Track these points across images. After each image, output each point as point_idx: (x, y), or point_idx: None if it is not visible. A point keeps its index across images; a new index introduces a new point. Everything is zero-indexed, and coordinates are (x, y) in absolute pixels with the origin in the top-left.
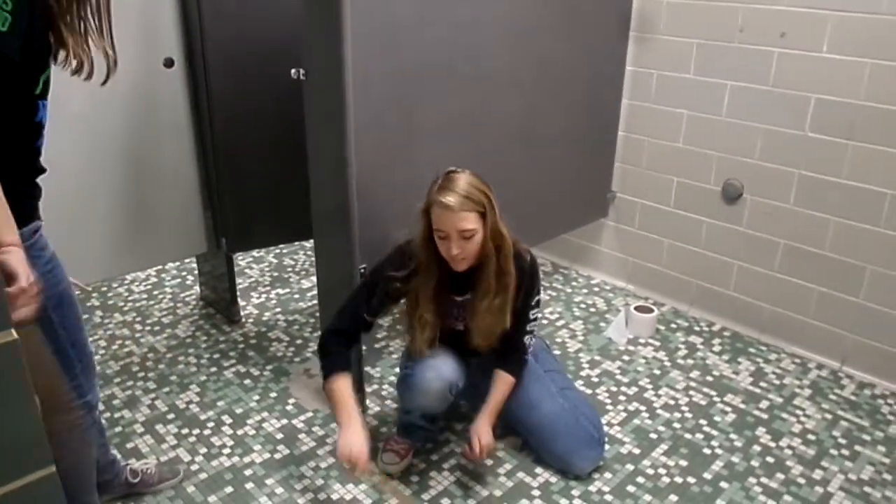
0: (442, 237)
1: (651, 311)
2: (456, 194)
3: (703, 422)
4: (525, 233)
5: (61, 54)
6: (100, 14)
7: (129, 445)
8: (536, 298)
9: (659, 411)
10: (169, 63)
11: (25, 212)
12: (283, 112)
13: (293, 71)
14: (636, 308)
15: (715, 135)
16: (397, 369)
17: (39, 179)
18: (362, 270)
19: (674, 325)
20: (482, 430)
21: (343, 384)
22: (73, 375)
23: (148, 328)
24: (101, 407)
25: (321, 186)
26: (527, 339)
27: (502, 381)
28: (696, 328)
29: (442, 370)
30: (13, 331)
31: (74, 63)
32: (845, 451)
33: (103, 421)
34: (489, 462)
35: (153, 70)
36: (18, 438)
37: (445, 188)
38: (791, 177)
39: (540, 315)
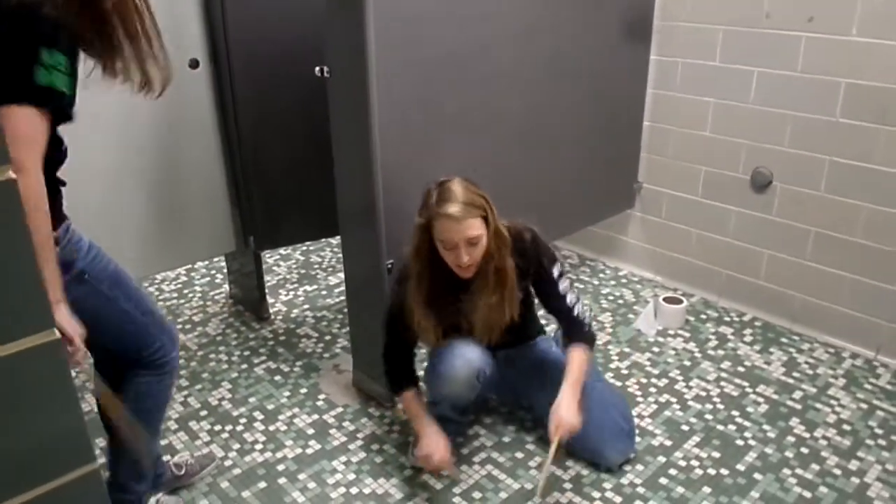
0: (449, 248)
1: (680, 301)
2: (458, 203)
3: (735, 413)
4: (551, 226)
5: (116, 79)
6: (145, 33)
7: (164, 442)
8: (557, 270)
9: (690, 403)
10: (194, 64)
11: (58, 216)
12: (308, 110)
13: (317, 69)
14: (665, 299)
15: (743, 122)
16: (425, 363)
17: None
18: (390, 266)
19: (703, 316)
20: (561, 407)
21: (409, 396)
22: (154, 338)
23: (179, 326)
24: None
25: (347, 183)
26: (577, 309)
27: (580, 356)
28: (727, 318)
29: (469, 357)
30: (55, 330)
31: (136, 82)
32: (882, 441)
33: None
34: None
35: (178, 71)
36: (62, 436)
37: (444, 199)
38: (822, 163)
39: (573, 279)
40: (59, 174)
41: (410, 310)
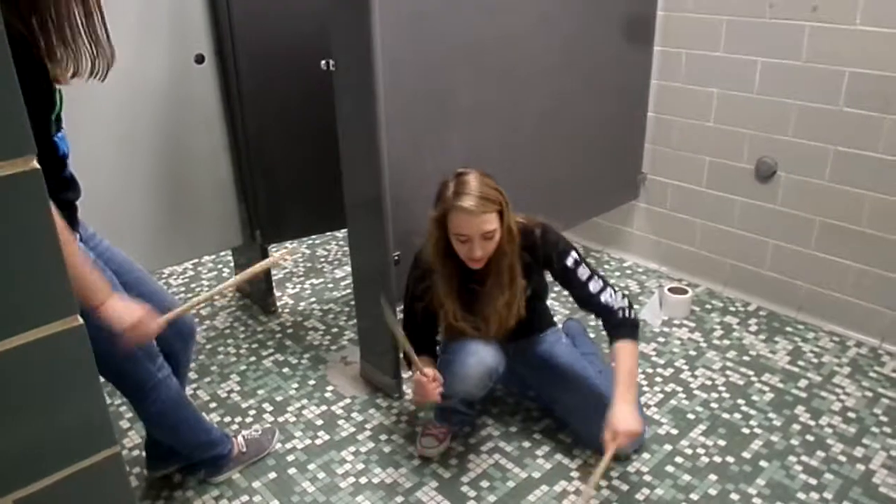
0: (463, 241)
1: (685, 292)
2: (474, 197)
3: (740, 401)
4: (556, 217)
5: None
6: (88, 19)
7: None
8: (572, 259)
9: (696, 392)
10: (199, 59)
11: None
12: (313, 103)
13: (323, 62)
14: (670, 289)
15: (747, 112)
16: None
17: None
18: (396, 258)
19: (709, 306)
20: (618, 414)
21: (424, 357)
22: (140, 361)
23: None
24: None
25: (354, 176)
26: (605, 296)
27: (623, 350)
28: (732, 308)
29: (483, 356)
30: (78, 316)
31: (70, 72)
32: (887, 429)
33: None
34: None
35: (184, 66)
36: (86, 420)
37: (461, 193)
38: (826, 153)
39: (591, 266)
40: (72, 180)
41: (440, 303)
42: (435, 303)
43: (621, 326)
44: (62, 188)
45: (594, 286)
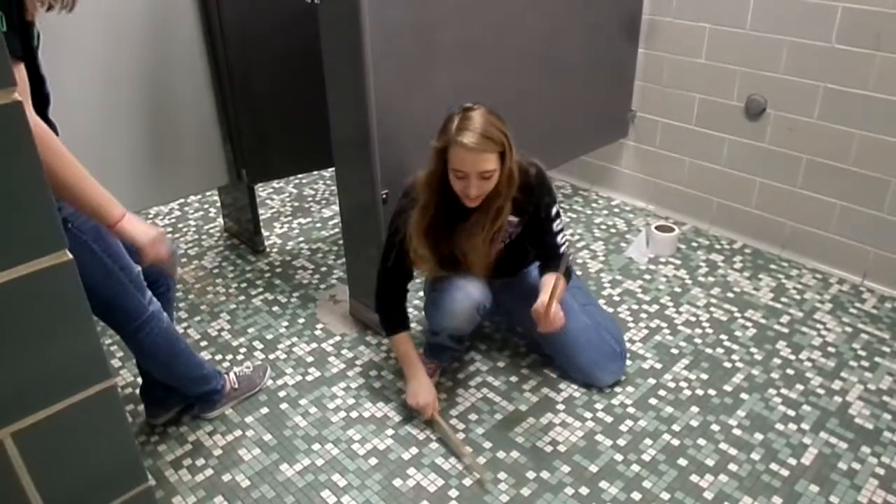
0: (460, 177)
1: (672, 230)
2: (476, 134)
3: (723, 337)
4: (544, 155)
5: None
6: None
7: None
8: (554, 210)
9: (680, 328)
10: None
11: None
12: (298, 39)
13: None
14: (657, 227)
15: (738, 49)
16: (420, 293)
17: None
18: (384, 196)
19: (694, 244)
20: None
21: (403, 341)
22: (131, 294)
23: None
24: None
25: (340, 113)
26: (563, 248)
27: (551, 275)
28: (717, 246)
29: (470, 291)
30: (67, 251)
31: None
32: (865, 363)
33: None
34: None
35: (165, 1)
36: (79, 353)
37: (464, 128)
38: (816, 90)
39: (563, 223)
40: (50, 117)
41: (409, 238)
42: (406, 237)
43: (562, 269)
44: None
45: (560, 239)
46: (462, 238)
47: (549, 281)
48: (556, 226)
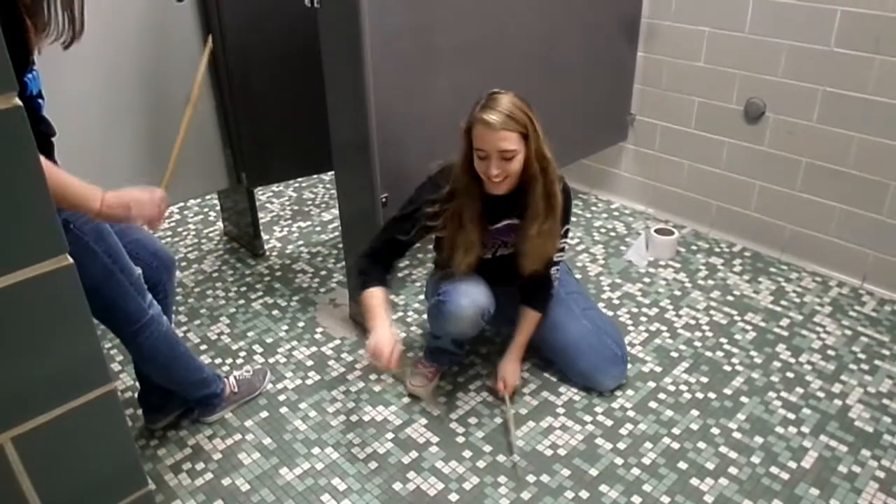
0: (482, 157)
1: (671, 233)
2: (498, 112)
3: (723, 340)
4: None
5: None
6: None
7: None
8: (566, 228)
9: (680, 331)
10: None
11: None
12: (297, 42)
13: None
14: (656, 231)
15: (737, 52)
16: (421, 296)
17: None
18: (384, 199)
19: (694, 247)
20: (508, 370)
21: (375, 292)
22: (132, 296)
23: (175, 264)
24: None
25: (340, 117)
26: (554, 270)
27: (529, 319)
28: (717, 249)
29: (475, 297)
30: (67, 255)
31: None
32: (864, 366)
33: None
34: (511, 405)
35: (165, 5)
36: (79, 358)
37: (488, 107)
38: (815, 93)
39: (566, 246)
40: (46, 118)
41: (435, 219)
42: (449, 228)
43: (543, 301)
44: (35, 123)
45: (557, 257)
46: (521, 234)
47: (526, 330)
48: (560, 243)
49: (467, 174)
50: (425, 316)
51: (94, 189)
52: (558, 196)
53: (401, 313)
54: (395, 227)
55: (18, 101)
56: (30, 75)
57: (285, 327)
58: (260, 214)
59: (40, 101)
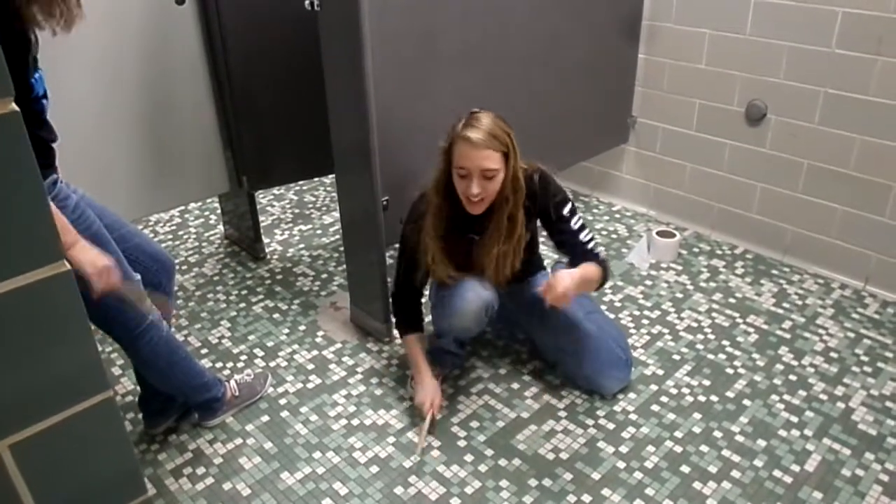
0: (462, 175)
1: (673, 235)
2: (481, 131)
3: (725, 342)
4: (545, 161)
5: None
6: None
7: None
8: (567, 207)
9: (682, 333)
10: (180, 0)
11: (45, 172)
12: (298, 45)
13: (307, 2)
14: (658, 233)
15: (738, 54)
16: (423, 298)
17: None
18: (385, 202)
19: (696, 249)
20: (561, 276)
21: (410, 340)
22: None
23: (176, 267)
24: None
25: (341, 120)
26: (592, 245)
27: (591, 266)
28: (719, 251)
29: (479, 291)
30: (65, 262)
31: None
32: (867, 368)
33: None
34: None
35: (165, 8)
36: (77, 365)
37: (470, 125)
38: (816, 95)
39: (582, 218)
40: (49, 123)
41: (425, 245)
42: (420, 246)
43: (601, 264)
44: (38, 128)
45: (584, 235)
46: (479, 251)
47: (585, 267)
48: (574, 223)
49: (440, 193)
50: (428, 318)
51: (72, 230)
52: (519, 221)
53: None
54: (405, 271)
55: (15, 107)
56: (36, 75)
57: (286, 331)
58: (261, 218)
59: (45, 101)
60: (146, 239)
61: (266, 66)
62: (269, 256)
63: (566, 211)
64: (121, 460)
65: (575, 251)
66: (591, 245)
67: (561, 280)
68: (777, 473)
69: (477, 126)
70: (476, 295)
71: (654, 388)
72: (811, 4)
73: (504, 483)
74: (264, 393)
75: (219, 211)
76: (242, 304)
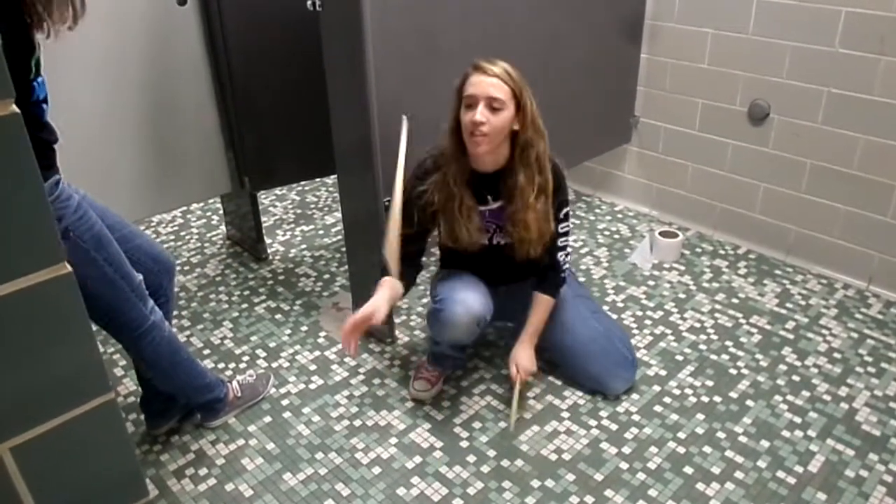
0: (469, 104)
1: (676, 235)
2: (495, 65)
3: (728, 343)
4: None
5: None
6: None
7: None
8: (565, 210)
9: (685, 334)
10: (182, 1)
11: (45, 173)
12: (299, 45)
13: (309, 2)
14: (660, 233)
15: (741, 54)
16: (425, 300)
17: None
18: (387, 203)
19: (699, 250)
20: (522, 355)
21: (383, 280)
22: (133, 303)
23: (177, 268)
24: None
25: (342, 120)
26: (560, 255)
27: (542, 304)
28: (721, 252)
29: (470, 305)
30: (65, 264)
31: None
32: (871, 369)
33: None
34: (534, 384)
35: (167, 9)
36: (78, 367)
37: (484, 60)
38: (820, 95)
39: (571, 228)
40: (49, 124)
41: (431, 198)
42: (439, 199)
43: (555, 286)
44: (38, 130)
45: (562, 242)
46: (510, 217)
47: (537, 313)
48: (562, 228)
49: (454, 136)
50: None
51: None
52: (549, 172)
53: (404, 317)
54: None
55: (16, 109)
56: (39, 79)
57: (288, 331)
58: (263, 218)
59: (45, 105)
60: (147, 240)
61: (268, 66)
62: (271, 257)
63: (562, 214)
64: (122, 463)
65: (549, 255)
66: (561, 256)
67: (526, 363)
68: (780, 474)
69: (492, 62)
70: (465, 309)
71: (657, 388)
72: (814, 4)
73: (507, 484)
74: (266, 394)
75: (221, 211)
76: (245, 305)
